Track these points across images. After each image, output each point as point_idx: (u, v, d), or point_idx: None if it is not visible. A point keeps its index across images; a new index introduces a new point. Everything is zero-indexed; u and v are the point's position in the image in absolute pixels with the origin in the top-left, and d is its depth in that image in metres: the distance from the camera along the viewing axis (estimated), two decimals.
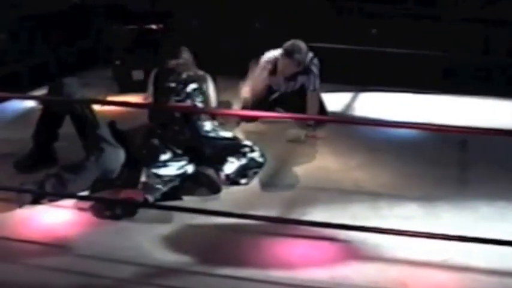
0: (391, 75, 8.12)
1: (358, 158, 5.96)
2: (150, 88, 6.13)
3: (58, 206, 4.92)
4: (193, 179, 5.26)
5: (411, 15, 8.40)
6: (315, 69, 6.56)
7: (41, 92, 7.09)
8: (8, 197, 4.93)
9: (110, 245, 4.40)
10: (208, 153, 5.49)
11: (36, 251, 4.34)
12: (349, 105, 7.60)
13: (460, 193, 5.26)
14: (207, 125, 5.63)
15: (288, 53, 6.41)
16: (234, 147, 5.57)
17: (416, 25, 8.33)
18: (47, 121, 5.55)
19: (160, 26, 8.31)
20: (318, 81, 6.58)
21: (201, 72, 6.09)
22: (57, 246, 4.40)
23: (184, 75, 5.89)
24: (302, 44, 6.45)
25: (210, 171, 5.29)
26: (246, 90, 6.78)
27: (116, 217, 4.77)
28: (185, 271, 4.14)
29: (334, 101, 7.47)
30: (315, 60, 6.60)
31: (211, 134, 5.60)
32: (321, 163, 5.87)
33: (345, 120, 7.00)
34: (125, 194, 4.94)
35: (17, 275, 4.05)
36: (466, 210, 4.96)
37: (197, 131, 5.57)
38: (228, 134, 5.73)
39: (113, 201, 4.93)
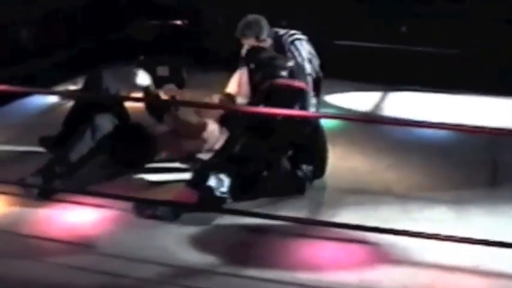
0: (420, 74, 8.04)
1: (387, 159, 5.90)
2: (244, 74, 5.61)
3: (81, 204, 4.86)
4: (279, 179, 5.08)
5: (441, 13, 8.32)
6: (295, 52, 5.87)
7: (63, 88, 7.10)
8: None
9: (135, 244, 4.35)
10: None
11: (59, 249, 4.30)
12: (377, 105, 7.52)
13: (491, 196, 5.19)
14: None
15: (239, 34, 5.93)
16: None
17: (445, 23, 8.25)
18: (79, 113, 5.52)
19: (186, 22, 8.27)
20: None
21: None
22: (80, 245, 4.36)
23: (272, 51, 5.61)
24: (254, 17, 5.94)
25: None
26: None
27: (156, 218, 4.65)
28: (210, 272, 4.08)
29: (363, 100, 7.40)
30: (299, 43, 5.95)
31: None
32: (350, 164, 5.79)
33: (373, 119, 6.91)
34: (177, 193, 4.80)
35: (40, 274, 4.01)
36: (498, 214, 4.88)
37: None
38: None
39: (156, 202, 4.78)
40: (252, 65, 5.51)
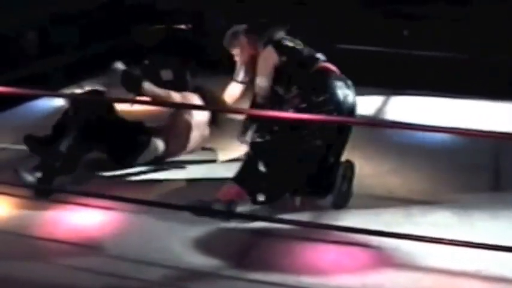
0: (422, 77, 8.04)
1: (389, 163, 5.90)
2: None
3: (86, 205, 4.89)
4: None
5: (444, 16, 8.33)
6: None
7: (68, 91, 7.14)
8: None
9: (140, 247, 4.37)
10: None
11: (64, 251, 4.32)
12: (380, 109, 7.53)
13: (494, 200, 5.19)
14: None
15: (226, 45, 5.75)
16: None
17: (449, 26, 8.25)
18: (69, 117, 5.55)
19: (189, 26, 8.29)
20: None
21: None
22: (86, 247, 4.38)
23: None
24: (240, 27, 5.68)
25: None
26: None
27: (211, 216, 4.68)
28: (215, 275, 4.10)
29: (365, 104, 7.40)
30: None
31: None
32: None
33: (375, 123, 6.91)
34: (227, 191, 4.75)
35: (45, 275, 4.03)
36: (501, 218, 4.88)
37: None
38: None
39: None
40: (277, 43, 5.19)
